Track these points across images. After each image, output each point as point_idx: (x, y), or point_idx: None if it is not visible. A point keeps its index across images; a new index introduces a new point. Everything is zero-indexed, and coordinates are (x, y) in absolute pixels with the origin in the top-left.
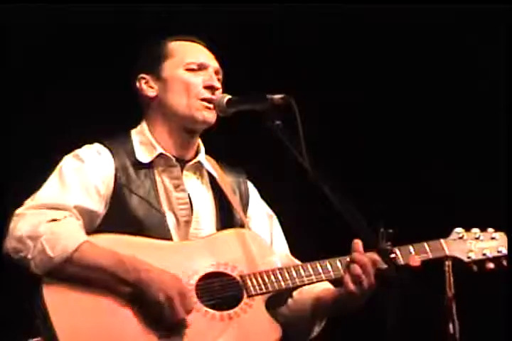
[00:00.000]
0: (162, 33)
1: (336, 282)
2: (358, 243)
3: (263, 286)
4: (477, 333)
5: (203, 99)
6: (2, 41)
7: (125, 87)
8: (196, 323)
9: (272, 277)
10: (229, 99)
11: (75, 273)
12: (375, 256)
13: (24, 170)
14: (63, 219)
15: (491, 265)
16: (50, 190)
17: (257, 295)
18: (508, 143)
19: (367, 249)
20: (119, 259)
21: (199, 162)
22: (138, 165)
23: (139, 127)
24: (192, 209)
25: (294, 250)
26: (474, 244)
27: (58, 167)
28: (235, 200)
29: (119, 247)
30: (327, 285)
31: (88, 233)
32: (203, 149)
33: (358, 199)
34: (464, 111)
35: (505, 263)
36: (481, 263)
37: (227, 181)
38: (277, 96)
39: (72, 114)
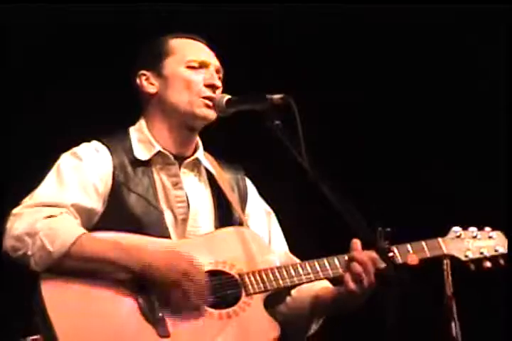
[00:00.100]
0: (162, 33)
1: (335, 280)
2: (356, 242)
3: (262, 285)
4: (477, 332)
5: (204, 97)
6: (2, 41)
7: (125, 86)
8: (194, 321)
9: (271, 275)
10: (228, 99)
11: (75, 267)
12: (374, 254)
13: (24, 170)
14: (60, 215)
15: (489, 264)
16: (47, 189)
17: (256, 293)
18: (508, 143)
19: (366, 248)
20: (121, 248)
21: (197, 159)
22: (136, 162)
23: (137, 124)
24: (189, 207)
25: (294, 250)
26: (472, 243)
27: (56, 165)
28: (233, 197)
29: None
30: (326, 284)
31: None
32: (201, 146)
33: (358, 199)
34: (464, 111)
35: (502, 262)
36: (478, 262)
37: (226, 178)
38: (277, 96)
39: (72, 114)
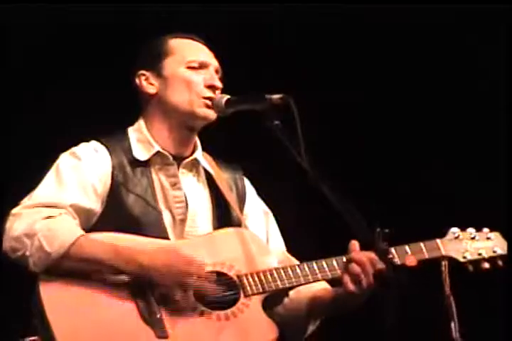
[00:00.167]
0: (162, 33)
1: (333, 282)
2: (355, 244)
3: (260, 286)
4: (476, 333)
5: (205, 98)
6: (2, 41)
7: (125, 86)
8: (193, 323)
9: (269, 277)
10: (227, 99)
11: (74, 268)
12: (372, 255)
13: (24, 170)
14: (58, 216)
15: (487, 265)
16: (46, 189)
17: (254, 294)
18: (508, 143)
19: (365, 248)
20: (118, 250)
21: (195, 159)
22: (135, 162)
23: (136, 125)
24: (187, 207)
25: (294, 250)
26: (470, 244)
27: (55, 165)
28: (231, 197)
29: None
30: (324, 285)
31: (85, 231)
32: (199, 146)
33: (358, 199)
34: (464, 111)
35: (500, 263)
36: (476, 263)
37: (224, 178)
38: (276, 96)
39: (72, 114)
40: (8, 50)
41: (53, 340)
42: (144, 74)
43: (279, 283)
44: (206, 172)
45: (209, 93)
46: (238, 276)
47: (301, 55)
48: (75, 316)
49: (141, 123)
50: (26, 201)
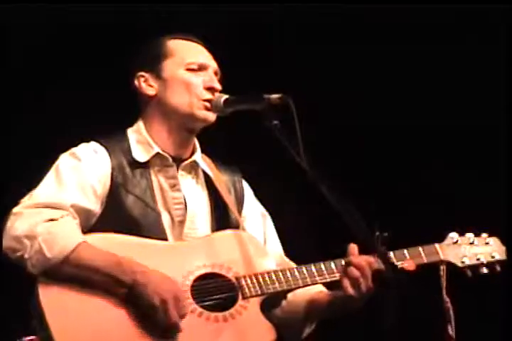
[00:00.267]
0: (162, 33)
1: (330, 285)
2: (354, 247)
3: (258, 288)
4: (475, 337)
5: (205, 100)
6: (2, 41)
7: (125, 87)
8: (191, 324)
9: (267, 279)
10: (226, 99)
11: (72, 274)
12: (370, 258)
13: (24, 170)
14: (60, 219)
15: (485, 270)
16: (47, 189)
17: (252, 296)
18: (508, 143)
19: (365, 249)
20: (116, 261)
21: (195, 161)
22: (134, 164)
23: (135, 126)
24: (186, 209)
25: (293, 250)
26: (468, 249)
27: (55, 165)
28: (230, 200)
29: (114, 247)
30: (321, 288)
31: (84, 232)
32: (198, 148)
33: (358, 199)
34: (464, 111)
35: (498, 268)
36: (474, 268)
37: (223, 180)
38: (274, 96)
39: (72, 114)
40: (8, 50)
41: None
42: (143, 76)
43: (277, 285)
44: (205, 174)
45: (208, 95)
46: (236, 278)
47: (301, 55)
48: (73, 318)
49: (140, 124)
50: (26, 200)
